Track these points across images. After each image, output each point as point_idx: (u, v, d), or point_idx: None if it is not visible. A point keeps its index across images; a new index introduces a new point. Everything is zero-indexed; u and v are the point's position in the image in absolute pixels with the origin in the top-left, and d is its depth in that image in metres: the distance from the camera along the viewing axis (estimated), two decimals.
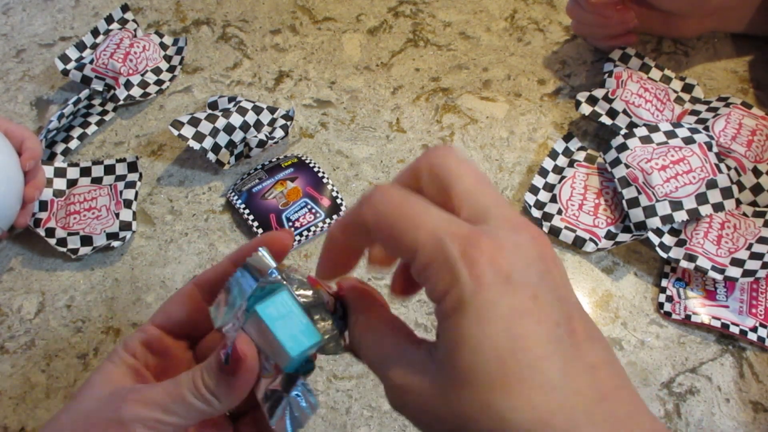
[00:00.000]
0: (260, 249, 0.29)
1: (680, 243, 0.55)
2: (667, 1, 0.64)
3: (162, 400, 0.29)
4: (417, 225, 0.24)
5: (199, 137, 0.59)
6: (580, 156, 0.62)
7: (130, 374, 0.32)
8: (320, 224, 0.58)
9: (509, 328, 0.23)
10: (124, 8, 0.73)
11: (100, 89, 0.67)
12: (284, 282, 0.29)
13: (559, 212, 0.58)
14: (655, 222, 0.54)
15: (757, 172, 0.57)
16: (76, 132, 0.64)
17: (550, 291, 0.24)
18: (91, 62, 0.67)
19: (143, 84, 0.68)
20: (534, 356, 0.23)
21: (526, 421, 0.22)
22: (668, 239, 0.56)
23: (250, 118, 0.62)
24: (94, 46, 0.71)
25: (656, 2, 0.63)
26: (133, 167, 0.61)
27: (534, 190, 0.60)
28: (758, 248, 0.53)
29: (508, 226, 0.25)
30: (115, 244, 0.56)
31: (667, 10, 0.65)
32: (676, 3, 0.64)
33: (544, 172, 0.61)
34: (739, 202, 0.57)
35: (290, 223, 0.57)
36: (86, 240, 0.57)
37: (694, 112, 0.63)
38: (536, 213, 0.58)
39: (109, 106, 0.66)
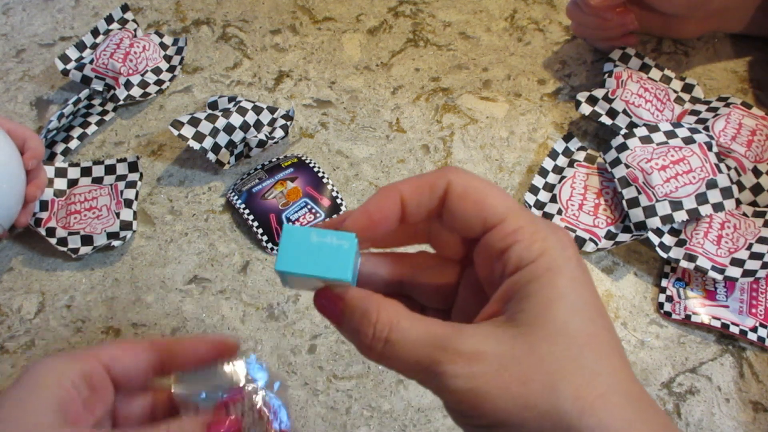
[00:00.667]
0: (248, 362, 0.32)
1: (680, 243, 0.55)
2: (666, 4, 0.63)
3: None
4: (502, 197, 0.27)
5: (199, 137, 0.59)
6: (580, 156, 0.62)
7: (64, 405, 0.31)
8: (320, 224, 0.58)
9: (595, 296, 0.26)
10: (124, 8, 0.73)
11: (100, 89, 0.67)
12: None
13: (559, 212, 0.58)
14: (655, 222, 0.54)
15: (757, 172, 0.57)
16: (76, 132, 0.64)
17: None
18: (91, 62, 0.67)
19: (143, 84, 0.68)
20: (613, 329, 0.26)
21: (619, 383, 0.24)
22: (668, 239, 0.56)
23: (250, 118, 0.62)
24: (94, 46, 0.71)
25: (656, 5, 0.63)
26: (133, 167, 0.61)
27: (534, 190, 0.60)
28: (758, 248, 0.53)
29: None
30: (116, 243, 0.56)
31: (667, 12, 0.65)
32: (676, 5, 0.64)
33: (544, 172, 0.61)
34: (739, 202, 0.57)
35: (290, 223, 0.57)
36: (87, 239, 0.57)
37: (694, 112, 0.63)
38: (536, 213, 0.58)
39: (109, 106, 0.66)
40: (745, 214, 0.57)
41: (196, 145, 0.59)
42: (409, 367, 0.26)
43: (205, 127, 0.60)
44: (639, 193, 0.55)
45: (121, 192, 0.60)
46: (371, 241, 0.29)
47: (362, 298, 0.27)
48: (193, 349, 0.33)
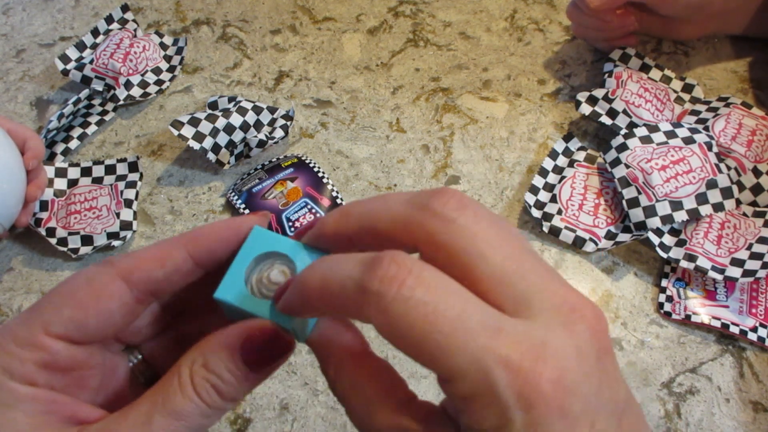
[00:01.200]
0: None
1: (680, 243, 0.55)
2: (666, 6, 0.64)
3: None
4: (454, 344, 0.19)
5: (199, 137, 0.59)
6: (580, 156, 0.62)
7: (50, 417, 0.23)
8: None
9: None
10: (124, 8, 0.73)
11: (100, 89, 0.67)
12: None
13: (559, 212, 0.58)
14: (655, 222, 0.54)
15: (757, 172, 0.57)
16: (76, 132, 0.64)
17: (605, 406, 0.20)
18: (91, 62, 0.67)
19: (143, 84, 0.68)
20: None
21: None
22: (668, 239, 0.56)
23: (250, 118, 0.62)
24: (94, 46, 0.71)
25: (656, 7, 0.63)
26: (133, 167, 0.61)
27: (534, 190, 0.60)
28: (758, 248, 0.53)
29: (561, 318, 0.20)
30: (116, 243, 0.56)
31: (668, 14, 0.65)
32: (676, 8, 0.64)
33: (544, 172, 0.61)
34: (739, 202, 0.57)
35: (290, 223, 0.57)
36: (87, 239, 0.57)
37: (694, 112, 0.63)
38: (536, 213, 0.58)
39: (109, 106, 0.66)
40: (745, 214, 0.57)
41: (196, 145, 0.59)
42: None
43: (205, 127, 0.60)
44: (639, 193, 0.55)
45: (121, 192, 0.60)
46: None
47: (322, 348, 0.24)
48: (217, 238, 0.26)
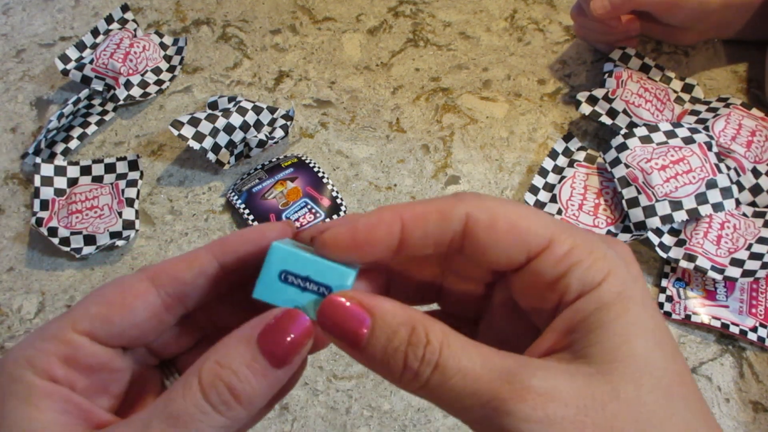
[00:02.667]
0: None
1: (680, 243, 0.55)
2: (669, 16, 0.64)
3: None
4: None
5: (199, 137, 0.59)
6: (580, 156, 0.62)
7: (64, 417, 0.22)
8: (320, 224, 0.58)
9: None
10: (124, 8, 0.73)
11: (100, 89, 0.67)
12: None
13: (559, 212, 0.58)
14: (654, 222, 0.54)
15: (756, 173, 0.57)
16: (76, 132, 0.64)
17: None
18: (91, 62, 0.67)
19: (143, 84, 0.68)
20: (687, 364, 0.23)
21: (705, 424, 0.21)
22: (668, 239, 0.56)
23: (250, 118, 0.62)
24: (94, 46, 0.71)
25: (658, 16, 0.63)
26: (133, 165, 0.61)
27: (534, 190, 0.60)
28: (758, 248, 0.53)
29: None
30: (120, 243, 0.56)
31: (669, 23, 0.65)
32: (678, 18, 0.64)
33: (544, 172, 0.61)
34: (738, 202, 0.57)
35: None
36: (89, 239, 0.57)
37: (694, 112, 0.63)
38: None
39: (109, 106, 0.66)
40: (744, 214, 0.57)
41: (196, 145, 0.59)
42: (460, 401, 0.20)
43: (205, 127, 0.60)
44: (639, 193, 0.55)
45: (123, 191, 0.60)
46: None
47: (400, 312, 0.21)
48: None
